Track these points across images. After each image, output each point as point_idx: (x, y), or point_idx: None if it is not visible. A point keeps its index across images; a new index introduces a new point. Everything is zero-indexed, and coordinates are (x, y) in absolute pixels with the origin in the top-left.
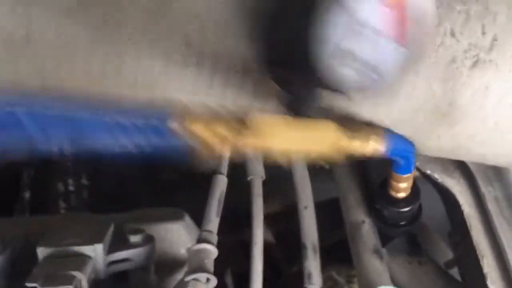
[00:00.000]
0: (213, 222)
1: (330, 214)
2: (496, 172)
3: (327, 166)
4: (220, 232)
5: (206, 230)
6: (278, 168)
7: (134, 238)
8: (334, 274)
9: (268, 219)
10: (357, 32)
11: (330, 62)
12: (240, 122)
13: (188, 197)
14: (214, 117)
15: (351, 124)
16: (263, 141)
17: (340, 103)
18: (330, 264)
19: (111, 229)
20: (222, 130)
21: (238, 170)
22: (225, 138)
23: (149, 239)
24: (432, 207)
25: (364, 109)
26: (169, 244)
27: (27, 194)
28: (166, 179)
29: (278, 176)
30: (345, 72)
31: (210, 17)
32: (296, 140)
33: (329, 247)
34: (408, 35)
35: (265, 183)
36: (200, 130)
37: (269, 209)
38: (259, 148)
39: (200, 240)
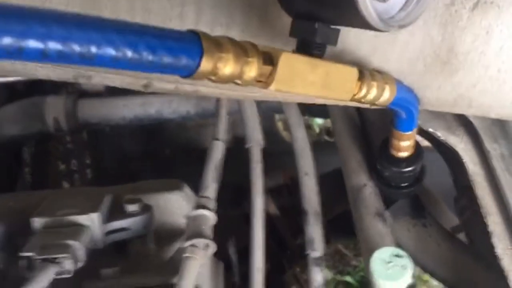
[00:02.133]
0: (210, 187)
1: (335, 184)
2: (502, 129)
3: (330, 139)
4: (224, 206)
5: (203, 196)
6: (280, 141)
7: (131, 208)
8: (341, 247)
9: (272, 193)
10: None
11: None
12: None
13: (190, 172)
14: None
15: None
16: (287, 81)
17: (334, 48)
18: (337, 238)
19: (108, 199)
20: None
21: (240, 141)
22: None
23: (146, 208)
24: (438, 177)
25: (361, 54)
26: (168, 214)
27: (28, 174)
28: (167, 154)
29: (281, 150)
30: None
31: None
32: (319, 82)
33: (335, 219)
34: None
35: (267, 157)
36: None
37: (272, 183)
38: (281, 87)
39: (197, 207)
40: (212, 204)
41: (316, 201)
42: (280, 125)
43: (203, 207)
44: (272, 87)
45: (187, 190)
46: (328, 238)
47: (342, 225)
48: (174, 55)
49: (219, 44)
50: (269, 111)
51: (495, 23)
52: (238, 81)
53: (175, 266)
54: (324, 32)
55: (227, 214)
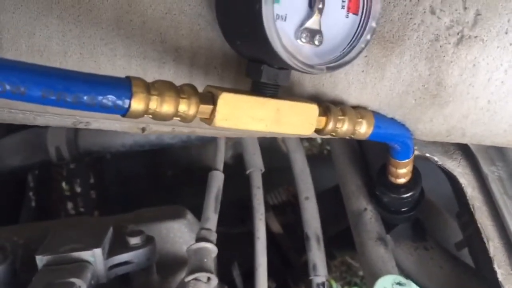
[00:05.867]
0: (212, 219)
1: (336, 201)
2: (499, 151)
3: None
4: (227, 224)
5: (204, 228)
6: (281, 157)
7: (133, 240)
8: (348, 258)
9: (275, 210)
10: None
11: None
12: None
13: (192, 193)
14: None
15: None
16: (230, 118)
17: (326, 87)
18: (342, 251)
19: (110, 232)
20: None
21: (240, 162)
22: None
23: (149, 240)
24: (440, 185)
25: (351, 93)
26: (171, 243)
27: (32, 197)
28: (170, 175)
29: (282, 166)
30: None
31: (183, 11)
32: (269, 119)
33: (341, 233)
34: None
35: (270, 173)
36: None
37: (275, 200)
38: (225, 124)
39: (198, 239)
40: (213, 236)
41: (317, 226)
42: (280, 139)
43: (205, 239)
44: (215, 124)
45: (189, 216)
46: (333, 254)
47: (347, 239)
48: (106, 98)
49: (151, 87)
50: None
51: (480, 56)
52: (179, 119)
53: None
54: (271, 73)
55: (231, 232)
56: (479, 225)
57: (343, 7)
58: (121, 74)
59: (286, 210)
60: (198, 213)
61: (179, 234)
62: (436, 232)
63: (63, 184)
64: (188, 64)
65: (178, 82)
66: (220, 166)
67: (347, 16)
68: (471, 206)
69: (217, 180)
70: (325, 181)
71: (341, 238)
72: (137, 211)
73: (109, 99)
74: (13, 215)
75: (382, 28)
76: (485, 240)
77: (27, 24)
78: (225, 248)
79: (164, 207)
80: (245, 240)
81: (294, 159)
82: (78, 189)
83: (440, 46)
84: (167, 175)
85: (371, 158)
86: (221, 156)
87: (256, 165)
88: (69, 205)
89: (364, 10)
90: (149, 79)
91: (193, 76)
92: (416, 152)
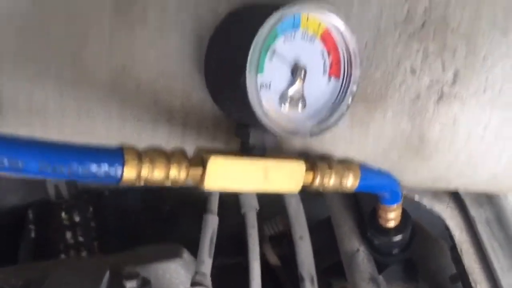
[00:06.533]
0: (206, 263)
1: (331, 233)
2: (486, 194)
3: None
4: (222, 255)
5: (199, 273)
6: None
7: (130, 284)
8: (348, 285)
9: (273, 241)
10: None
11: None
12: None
13: (189, 224)
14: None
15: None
16: (220, 180)
17: (314, 143)
18: (341, 278)
19: (107, 276)
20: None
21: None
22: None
23: (145, 283)
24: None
25: (338, 148)
26: (167, 284)
27: (32, 227)
28: (167, 209)
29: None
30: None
31: (175, 74)
32: (258, 178)
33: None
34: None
35: (267, 205)
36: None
37: (272, 230)
38: (214, 186)
39: (193, 283)
40: (208, 281)
41: (311, 266)
42: None
43: (199, 284)
44: (205, 187)
45: (185, 256)
46: (330, 283)
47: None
48: (100, 169)
49: (142, 155)
50: None
51: (460, 113)
52: (170, 183)
53: None
54: (258, 136)
55: (225, 264)
56: (466, 268)
57: (325, 72)
58: (116, 134)
59: (283, 242)
60: (194, 246)
61: (175, 275)
62: (431, 261)
63: (63, 214)
64: (181, 124)
65: (171, 141)
66: (215, 209)
67: (329, 81)
68: (458, 250)
69: (212, 223)
70: (320, 210)
71: (337, 267)
72: (134, 250)
73: (103, 170)
74: (12, 254)
75: (365, 87)
76: (472, 284)
77: (25, 85)
78: (221, 280)
79: (161, 245)
80: (241, 272)
81: (288, 201)
82: (77, 219)
83: (421, 104)
84: (165, 209)
85: (363, 199)
86: (215, 199)
87: (251, 205)
88: (68, 234)
89: (345, 75)
90: (144, 138)
91: (186, 135)
92: (405, 193)
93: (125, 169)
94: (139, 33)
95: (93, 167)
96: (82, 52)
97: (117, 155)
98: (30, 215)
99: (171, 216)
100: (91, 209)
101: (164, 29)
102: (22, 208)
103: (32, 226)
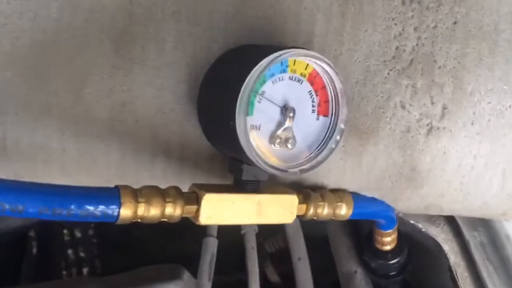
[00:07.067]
0: (205, 286)
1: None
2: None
3: None
4: (223, 272)
5: None
6: None
7: None
8: None
9: (273, 258)
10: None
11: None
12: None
13: (193, 238)
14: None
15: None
16: (215, 215)
17: (307, 174)
18: None
19: None
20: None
21: None
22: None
23: None
24: None
25: (332, 178)
26: None
27: (34, 244)
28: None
29: None
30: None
31: (173, 109)
32: (252, 212)
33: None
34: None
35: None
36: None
37: (273, 247)
38: (209, 221)
39: None
40: None
41: (310, 286)
42: None
43: None
44: (200, 222)
45: (185, 276)
46: None
47: None
48: (97, 209)
49: (138, 195)
50: None
51: (450, 145)
52: (166, 219)
53: None
54: (251, 171)
55: (226, 281)
56: None
57: (313, 111)
58: (116, 167)
59: (284, 259)
60: (197, 260)
61: None
62: (428, 282)
63: (64, 230)
64: (178, 157)
65: (169, 174)
66: (214, 232)
67: (317, 119)
68: (454, 273)
69: (211, 246)
70: (320, 226)
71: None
72: (134, 271)
73: (100, 210)
74: (14, 273)
75: (357, 121)
76: None
77: (28, 124)
78: None
79: (161, 266)
80: None
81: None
82: (79, 235)
83: (412, 137)
84: (167, 224)
85: (360, 220)
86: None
87: (250, 225)
88: (70, 251)
89: (333, 113)
90: (142, 171)
91: (183, 168)
92: (400, 215)
93: (121, 209)
94: (138, 71)
95: (91, 209)
96: (82, 92)
97: (113, 196)
98: (32, 233)
99: (173, 229)
100: (92, 225)
101: (161, 68)
102: (24, 228)
103: (34, 243)
